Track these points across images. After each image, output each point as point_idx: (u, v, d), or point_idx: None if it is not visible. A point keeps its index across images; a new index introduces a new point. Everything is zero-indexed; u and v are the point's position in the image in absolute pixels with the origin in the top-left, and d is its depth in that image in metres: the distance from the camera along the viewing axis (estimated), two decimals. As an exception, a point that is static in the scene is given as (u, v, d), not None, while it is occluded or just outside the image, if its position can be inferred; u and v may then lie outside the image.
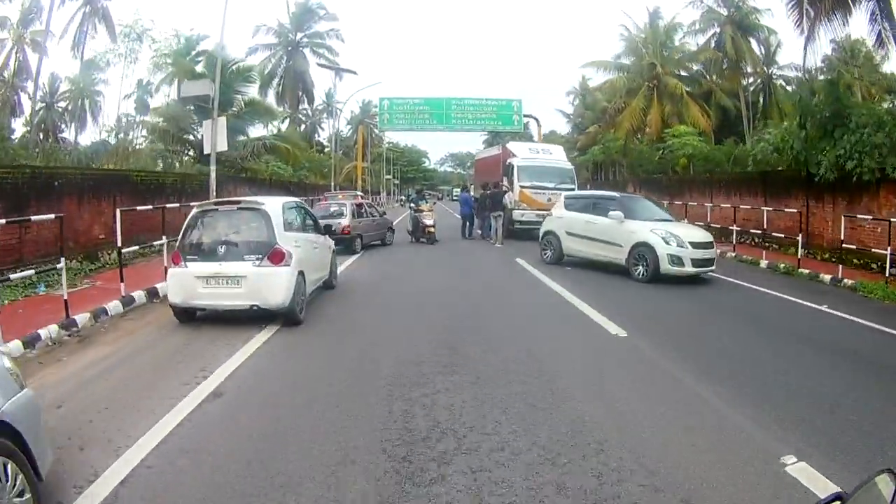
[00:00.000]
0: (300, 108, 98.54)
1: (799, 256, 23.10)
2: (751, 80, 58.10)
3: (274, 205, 14.12)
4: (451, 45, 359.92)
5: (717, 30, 54.69)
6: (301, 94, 75.24)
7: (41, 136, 55.64)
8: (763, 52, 56.21)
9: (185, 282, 13.06)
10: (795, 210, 26.15)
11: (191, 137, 39.79)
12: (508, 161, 35.46)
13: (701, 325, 14.62)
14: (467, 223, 35.25)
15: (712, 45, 54.87)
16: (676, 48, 57.60)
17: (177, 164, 40.09)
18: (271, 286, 12.88)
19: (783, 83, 60.41)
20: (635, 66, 56.71)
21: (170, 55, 52.76)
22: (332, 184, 51.92)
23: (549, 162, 35.49)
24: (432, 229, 30.90)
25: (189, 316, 13.60)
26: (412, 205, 33.19)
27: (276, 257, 13.03)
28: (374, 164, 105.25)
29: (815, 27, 33.91)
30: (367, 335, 12.66)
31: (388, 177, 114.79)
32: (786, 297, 17.82)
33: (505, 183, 33.32)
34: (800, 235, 23.66)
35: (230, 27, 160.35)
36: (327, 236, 18.05)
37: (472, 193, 36.09)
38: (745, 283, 20.10)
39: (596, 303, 15.71)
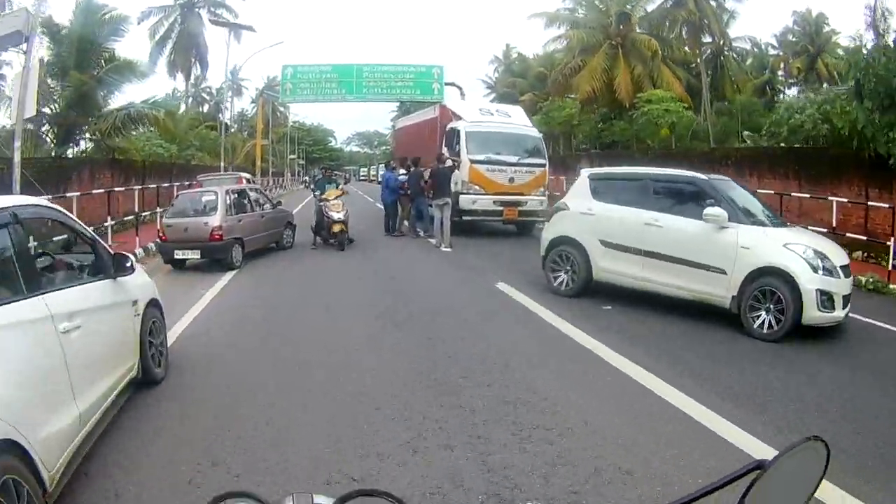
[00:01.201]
0: (202, 86, 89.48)
1: (890, 268, 16.12)
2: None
3: None
4: (363, 10, 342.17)
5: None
6: (195, 60, 62.17)
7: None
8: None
9: None
10: (867, 202, 19.81)
11: (46, 110, 28.75)
12: (451, 126, 25.03)
13: None
14: (392, 215, 24.90)
15: (668, 5, 46.48)
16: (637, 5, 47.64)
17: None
18: None
19: (735, 56, 54.07)
20: (594, 19, 46.43)
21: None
22: (223, 164, 41.01)
23: (508, 127, 25.14)
24: (342, 226, 20.63)
25: None
26: (317, 192, 22.68)
27: None
28: (279, 144, 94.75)
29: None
30: None
31: (293, 157, 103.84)
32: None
33: (445, 153, 22.75)
34: (892, 239, 16.46)
35: None
36: (124, 273, 7.44)
37: (400, 172, 25.37)
38: (881, 324, 11.91)
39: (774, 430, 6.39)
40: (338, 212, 20.51)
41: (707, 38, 48.34)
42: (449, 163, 21.58)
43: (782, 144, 26.74)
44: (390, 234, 24.07)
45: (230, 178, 25.59)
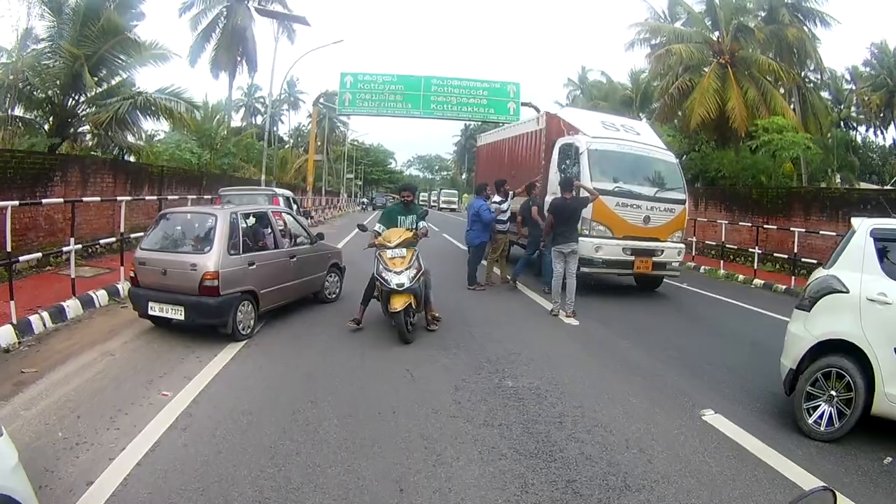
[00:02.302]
0: (256, 95, 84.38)
1: None
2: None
3: None
4: (430, 23, 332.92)
5: (762, 13, 39.69)
6: (240, 58, 53.33)
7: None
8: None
9: None
10: None
11: (41, 94, 22.67)
12: (564, 141, 17.35)
13: None
14: (476, 259, 16.98)
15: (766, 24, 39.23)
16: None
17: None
18: None
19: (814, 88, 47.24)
20: (697, 34, 38.36)
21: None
22: (263, 178, 34.53)
23: (640, 147, 17.26)
24: (407, 300, 10.79)
25: None
26: (377, 226, 11.81)
27: None
28: (337, 163, 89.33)
29: None
30: None
31: (350, 176, 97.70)
32: None
33: (560, 181, 14.82)
34: None
35: None
36: None
37: (495, 200, 17.14)
38: None
39: None
40: (398, 270, 10.84)
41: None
42: (582, 193, 14.21)
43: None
44: (475, 286, 16.45)
45: (263, 195, 19.15)
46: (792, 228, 21.61)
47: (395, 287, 10.65)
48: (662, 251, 16.25)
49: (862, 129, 57.84)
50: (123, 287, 13.24)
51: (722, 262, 23.61)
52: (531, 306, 14.67)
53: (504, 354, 10.17)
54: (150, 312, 10.32)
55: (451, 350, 10.39)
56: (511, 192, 17.15)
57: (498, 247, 16.98)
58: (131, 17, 25.04)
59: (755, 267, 21.86)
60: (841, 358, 7.33)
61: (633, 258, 15.86)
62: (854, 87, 57.00)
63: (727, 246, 24.45)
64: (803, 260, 20.50)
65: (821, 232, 21.16)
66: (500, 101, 44.65)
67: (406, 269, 10.85)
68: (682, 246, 16.99)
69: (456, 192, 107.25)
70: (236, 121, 78.19)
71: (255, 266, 10.72)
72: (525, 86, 46.07)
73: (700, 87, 34.54)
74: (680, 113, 36.85)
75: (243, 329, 10.30)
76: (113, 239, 15.63)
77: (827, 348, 7.53)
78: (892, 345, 6.97)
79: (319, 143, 65.82)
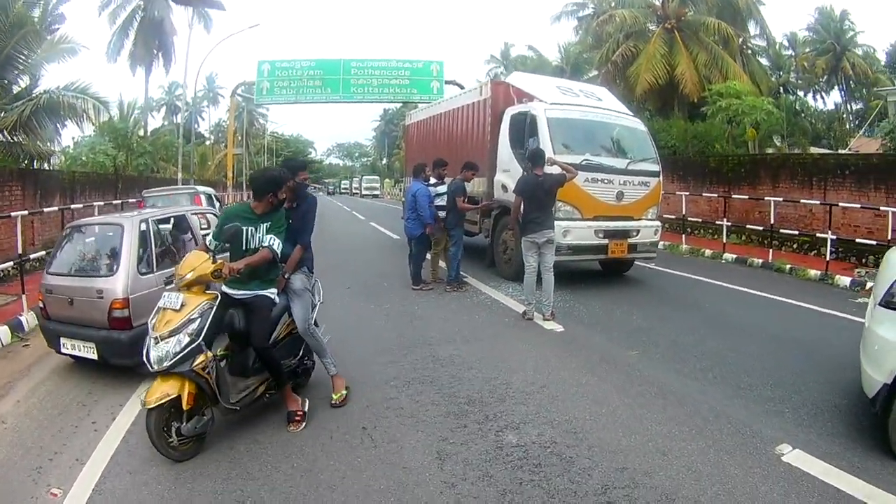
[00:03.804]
0: (177, 93, 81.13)
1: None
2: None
3: None
4: (348, 6, 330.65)
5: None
6: (157, 51, 50.16)
7: None
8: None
9: None
10: None
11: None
12: (516, 111, 15.36)
13: None
14: (418, 255, 14.76)
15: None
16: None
17: None
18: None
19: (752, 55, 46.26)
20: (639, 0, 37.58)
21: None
22: (180, 175, 32.26)
23: (605, 114, 15.34)
24: (163, 389, 5.86)
25: None
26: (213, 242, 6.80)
27: None
28: (258, 156, 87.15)
29: None
30: None
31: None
32: None
33: (528, 154, 12.28)
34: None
35: None
36: None
37: (431, 183, 15.01)
38: None
39: None
40: (157, 335, 5.94)
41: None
42: (555, 169, 11.84)
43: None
44: (419, 286, 14.34)
45: (184, 194, 17.25)
46: (767, 198, 20.27)
47: (153, 364, 5.89)
48: (638, 231, 14.50)
49: (801, 94, 57.31)
50: (27, 319, 11.14)
51: (684, 236, 22.16)
52: (495, 308, 12.45)
53: (488, 387, 7.84)
54: (63, 351, 8.29)
55: (415, 386, 7.95)
56: (443, 174, 15.10)
57: (441, 238, 14.72)
58: (53, 21, 23.47)
59: (724, 241, 20.27)
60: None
61: (606, 241, 14.03)
62: (793, 54, 56.77)
63: (689, 219, 22.96)
64: (782, 231, 19.35)
65: (802, 201, 19.99)
66: (423, 80, 43.75)
67: (174, 331, 5.95)
68: (659, 224, 15.22)
69: (377, 177, 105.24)
70: (157, 120, 75.83)
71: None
72: (446, 65, 44.79)
73: (646, 53, 33.48)
74: (619, 81, 35.25)
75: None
76: (10, 263, 13.27)
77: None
78: None
79: (239, 138, 63.66)
